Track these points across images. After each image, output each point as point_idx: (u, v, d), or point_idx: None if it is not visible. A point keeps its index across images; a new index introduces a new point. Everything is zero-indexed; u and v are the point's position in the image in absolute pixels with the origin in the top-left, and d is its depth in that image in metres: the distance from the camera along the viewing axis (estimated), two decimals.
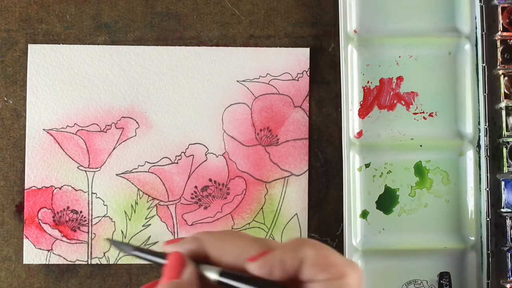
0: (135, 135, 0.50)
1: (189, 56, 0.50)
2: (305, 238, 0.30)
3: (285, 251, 0.29)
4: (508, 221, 0.48)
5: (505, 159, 0.48)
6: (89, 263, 0.49)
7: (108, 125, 0.50)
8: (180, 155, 0.50)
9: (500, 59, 0.49)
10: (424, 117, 0.49)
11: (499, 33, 0.49)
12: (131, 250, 0.33)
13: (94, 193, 0.49)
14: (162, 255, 0.31)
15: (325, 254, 0.29)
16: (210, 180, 0.50)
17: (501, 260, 0.49)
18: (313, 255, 0.29)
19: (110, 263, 0.49)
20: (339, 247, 0.49)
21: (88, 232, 0.49)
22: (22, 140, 0.50)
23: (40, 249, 0.49)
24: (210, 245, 0.30)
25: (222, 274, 0.29)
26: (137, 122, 0.50)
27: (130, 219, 0.49)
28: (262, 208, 0.50)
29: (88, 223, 0.49)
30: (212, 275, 0.30)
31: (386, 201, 0.49)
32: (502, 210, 0.49)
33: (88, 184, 0.50)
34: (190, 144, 0.50)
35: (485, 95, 0.49)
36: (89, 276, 0.49)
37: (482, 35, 0.49)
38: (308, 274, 0.28)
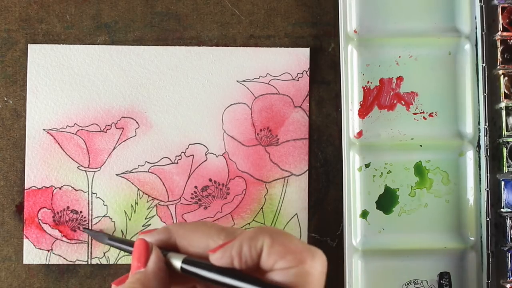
0: (135, 135, 0.50)
1: (189, 56, 0.50)
2: (265, 226, 0.30)
3: (243, 241, 0.29)
4: (508, 221, 0.48)
5: (505, 159, 0.48)
6: (89, 263, 0.49)
7: (108, 125, 0.50)
8: (180, 155, 0.50)
9: (500, 59, 0.49)
10: (424, 117, 0.49)
11: (499, 33, 0.49)
12: (106, 239, 0.35)
13: (94, 193, 0.49)
14: (133, 244, 0.32)
15: (282, 241, 0.29)
16: (210, 180, 0.50)
17: (501, 260, 0.49)
18: (270, 243, 0.28)
19: (110, 263, 0.49)
20: (339, 247, 0.49)
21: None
22: (22, 140, 0.50)
23: (40, 249, 0.49)
24: (179, 235, 0.31)
25: (184, 261, 0.30)
26: (137, 122, 0.50)
27: (130, 219, 0.49)
28: (262, 208, 0.50)
29: (88, 223, 0.49)
30: (176, 262, 0.30)
31: (386, 201, 0.49)
32: (502, 210, 0.49)
33: (88, 184, 0.50)
34: (190, 144, 0.50)
35: (485, 95, 0.49)
36: (89, 276, 0.49)
37: (482, 35, 0.49)
38: (267, 263, 0.28)
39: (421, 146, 0.49)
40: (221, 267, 0.29)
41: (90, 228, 0.49)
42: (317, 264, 0.28)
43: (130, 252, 0.33)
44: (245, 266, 0.29)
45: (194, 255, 0.31)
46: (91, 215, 0.49)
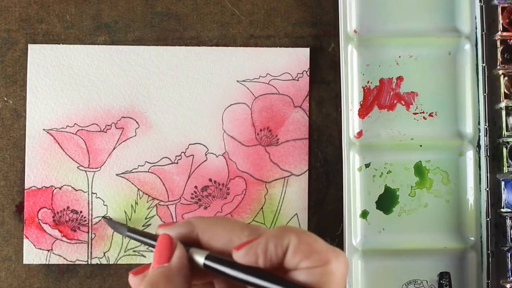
0: (135, 135, 0.50)
1: (189, 56, 0.50)
2: (290, 225, 0.30)
3: (269, 239, 0.29)
4: (508, 221, 0.48)
5: (505, 159, 0.48)
6: (89, 263, 0.49)
7: (108, 125, 0.50)
8: (180, 155, 0.50)
9: (500, 59, 0.49)
10: (424, 117, 0.49)
11: (499, 33, 0.49)
12: (125, 230, 0.34)
13: (94, 193, 0.49)
14: (155, 238, 0.31)
15: (308, 241, 0.29)
16: (210, 180, 0.50)
17: (501, 260, 0.49)
18: (296, 242, 0.28)
19: (110, 263, 0.49)
20: (339, 247, 0.49)
21: (88, 232, 0.49)
22: (22, 140, 0.50)
23: (40, 249, 0.49)
24: (201, 229, 0.31)
25: (208, 257, 0.30)
26: (137, 122, 0.50)
27: (130, 219, 0.49)
28: (262, 208, 0.50)
29: (88, 223, 0.49)
30: (199, 258, 0.30)
31: (386, 201, 0.49)
32: (502, 210, 0.49)
33: (88, 184, 0.50)
34: (190, 144, 0.50)
35: (485, 95, 0.49)
36: (89, 276, 0.49)
37: (482, 35, 0.49)
38: (292, 262, 0.28)
39: (421, 146, 0.49)
40: (245, 265, 0.29)
41: (90, 228, 0.49)
42: (341, 265, 0.28)
43: (150, 246, 0.32)
44: (269, 265, 0.29)
45: (214, 250, 0.30)
46: (91, 215, 0.49)
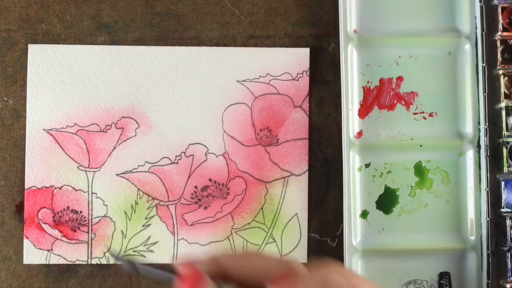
0: (135, 135, 0.50)
1: (189, 56, 0.50)
2: (329, 262, 0.28)
3: (312, 278, 0.27)
4: (508, 221, 0.48)
5: (505, 159, 0.48)
6: (89, 263, 0.49)
7: (108, 125, 0.50)
8: (180, 155, 0.50)
9: (500, 59, 0.49)
10: (424, 117, 0.49)
11: (499, 33, 0.49)
12: (135, 267, 0.31)
13: (94, 193, 0.49)
14: (170, 270, 0.29)
15: (354, 283, 0.27)
16: (210, 180, 0.50)
17: (501, 260, 0.49)
18: (343, 285, 0.27)
19: (110, 263, 0.49)
20: (339, 247, 0.49)
21: (88, 232, 0.49)
22: (22, 140, 0.50)
23: (40, 249, 0.49)
24: (232, 266, 0.28)
25: None
26: (137, 122, 0.50)
27: (130, 219, 0.49)
28: (262, 208, 0.50)
29: (88, 223, 0.49)
30: None
31: (386, 201, 0.49)
32: (502, 210, 0.49)
33: (88, 184, 0.50)
34: (190, 144, 0.50)
35: (485, 95, 0.49)
36: (89, 276, 0.49)
37: (482, 35, 0.49)
38: None
39: (421, 146, 0.49)
40: None
41: (90, 228, 0.49)
42: None
43: (167, 279, 0.29)
44: None
45: (244, 283, 0.29)
46: (91, 215, 0.49)
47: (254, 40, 0.51)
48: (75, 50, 0.50)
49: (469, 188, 0.49)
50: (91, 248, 0.49)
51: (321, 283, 0.27)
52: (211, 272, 0.28)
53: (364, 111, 0.49)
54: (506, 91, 0.49)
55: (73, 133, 0.50)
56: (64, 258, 0.49)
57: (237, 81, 0.50)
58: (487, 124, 0.49)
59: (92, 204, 0.49)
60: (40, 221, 0.49)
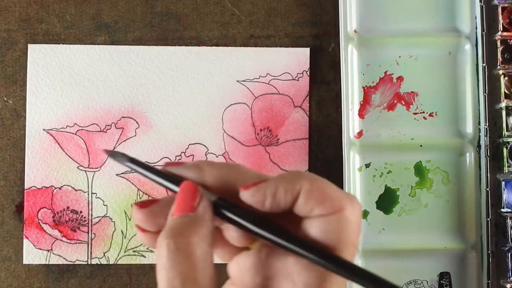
0: (135, 135, 0.50)
1: (189, 56, 0.50)
2: (301, 171, 0.28)
3: (279, 182, 0.27)
4: (508, 221, 0.48)
5: (505, 159, 0.48)
6: (89, 263, 0.49)
7: (108, 125, 0.50)
8: (180, 155, 0.50)
9: (500, 59, 0.49)
10: (424, 117, 0.49)
11: (499, 33, 0.49)
12: (125, 160, 0.30)
13: (94, 193, 0.49)
14: (164, 175, 0.29)
15: (321, 187, 0.27)
16: None
17: (501, 260, 0.49)
18: (308, 188, 0.27)
19: (110, 263, 0.49)
20: None
21: (88, 232, 0.49)
22: (22, 140, 0.50)
23: (40, 249, 0.49)
24: (211, 175, 0.28)
25: (218, 202, 0.28)
26: (137, 122, 0.50)
27: (130, 219, 0.49)
28: None
29: (88, 223, 0.49)
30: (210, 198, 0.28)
31: (386, 201, 0.49)
32: (502, 210, 0.49)
33: (88, 184, 0.50)
34: (190, 144, 0.50)
35: (485, 95, 0.49)
36: (89, 276, 0.49)
37: (482, 35, 0.49)
38: (304, 209, 0.27)
39: (421, 146, 0.49)
40: (259, 218, 0.27)
41: (90, 228, 0.49)
42: (355, 211, 0.27)
43: (160, 184, 0.29)
44: (276, 208, 0.27)
45: (221, 193, 0.28)
46: (91, 215, 0.49)
47: (254, 40, 0.51)
48: (75, 50, 0.50)
49: (469, 188, 0.49)
50: (91, 248, 0.49)
51: (285, 187, 0.27)
52: (195, 179, 0.29)
53: (364, 111, 0.49)
54: (506, 91, 0.49)
55: (73, 133, 0.50)
56: (64, 258, 0.49)
57: (237, 81, 0.50)
58: (487, 124, 0.49)
59: (92, 204, 0.49)
60: (40, 221, 0.49)
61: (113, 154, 0.31)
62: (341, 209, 0.27)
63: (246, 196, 0.27)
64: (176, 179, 0.29)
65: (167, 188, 0.29)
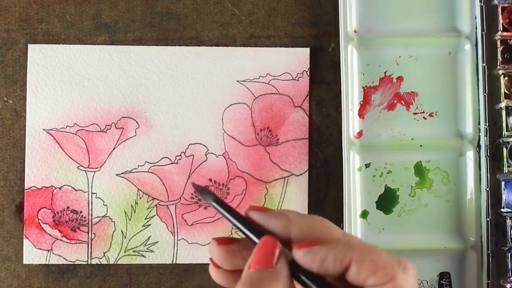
0: (135, 135, 0.50)
1: (189, 56, 0.50)
2: (354, 238, 0.29)
3: (330, 251, 0.28)
4: (508, 221, 0.48)
5: (505, 159, 0.48)
6: (89, 263, 0.49)
7: (108, 125, 0.50)
8: (180, 155, 0.50)
9: (500, 59, 0.49)
10: (424, 117, 0.49)
11: (499, 33, 0.49)
12: (211, 200, 0.30)
13: (94, 193, 0.49)
14: (246, 224, 0.29)
15: (372, 257, 0.28)
16: (210, 180, 0.50)
17: (501, 260, 0.49)
18: (359, 260, 0.27)
19: (110, 263, 0.49)
20: None
21: (88, 232, 0.49)
22: (22, 140, 0.50)
23: (40, 249, 0.49)
24: (298, 227, 0.29)
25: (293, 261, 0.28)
26: (137, 122, 0.50)
27: (130, 219, 0.49)
28: None
29: (88, 223, 0.49)
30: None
31: (386, 201, 0.49)
32: (502, 210, 0.49)
33: (88, 184, 0.50)
34: (190, 144, 0.50)
35: (485, 95, 0.49)
36: (89, 276, 0.49)
37: (482, 35, 0.49)
38: (357, 279, 0.27)
39: (421, 146, 0.49)
40: (328, 285, 0.28)
41: (90, 228, 0.49)
42: (409, 277, 0.28)
43: (238, 228, 0.29)
44: (324, 273, 0.28)
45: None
46: (91, 215, 0.49)
47: (254, 40, 0.51)
48: (75, 50, 0.50)
49: (469, 188, 0.49)
50: (91, 248, 0.49)
51: (335, 256, 0.27)
52: (276, 230, 0.29)
53: (364, 111, 0.49)
54: (506, 91, 0.49)
55: (73, 133, 0.50)
56: (64, 258, 0.49)
57: (237, 81, 0.50)
58: (487, 124, 0.49)
59: (92, 204, 0.49)
60: (40, 221, 0.49)
61: (201, 190, 0.31)
62: (394, 277, 0.27)
63: (297, 255, 0.28)
64: (259, 231, 0.29)
65: (246, 236, 0.29)
